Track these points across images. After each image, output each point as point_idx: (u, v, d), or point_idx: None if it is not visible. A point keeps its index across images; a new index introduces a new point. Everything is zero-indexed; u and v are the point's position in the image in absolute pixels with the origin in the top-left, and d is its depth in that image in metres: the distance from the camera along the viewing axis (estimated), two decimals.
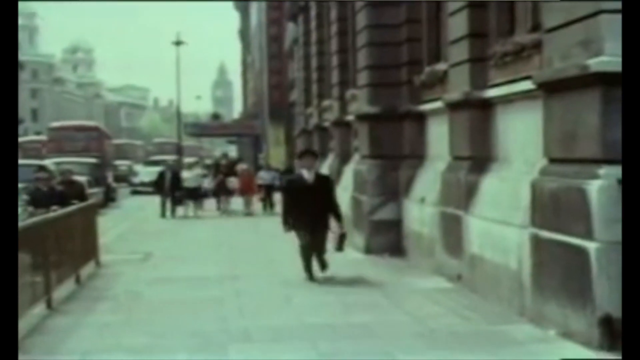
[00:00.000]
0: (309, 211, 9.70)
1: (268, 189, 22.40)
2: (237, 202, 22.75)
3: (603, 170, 6.19)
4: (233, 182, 22.50)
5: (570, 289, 6.45)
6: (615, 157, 6.13)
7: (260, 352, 6.53)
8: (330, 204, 9.98)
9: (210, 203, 22.80)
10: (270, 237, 14.08)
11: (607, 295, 6.03)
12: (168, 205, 21.20)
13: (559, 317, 6.61)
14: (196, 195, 21.78)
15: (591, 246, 6.13)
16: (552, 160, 7.13)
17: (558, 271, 6.68)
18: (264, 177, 22.89)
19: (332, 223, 10.10)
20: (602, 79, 6.17)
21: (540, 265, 7.00)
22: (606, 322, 6.03)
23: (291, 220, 9.86)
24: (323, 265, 10.01)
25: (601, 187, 6.15)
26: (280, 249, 12.02)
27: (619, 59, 6.04)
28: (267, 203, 22.21)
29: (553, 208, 6.84)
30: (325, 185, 10.08)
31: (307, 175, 9.90)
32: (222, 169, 24.38)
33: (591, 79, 6.24)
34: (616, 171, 6.07)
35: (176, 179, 21.61)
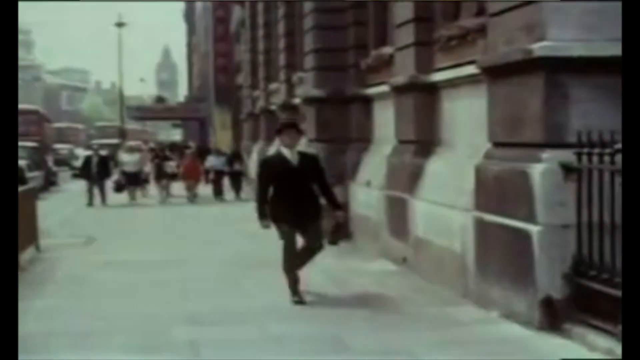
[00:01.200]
0: (294, 199, 7.65)
1: (218, 175, 21.32)
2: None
3: (546, 154, 6.34)
4: (171, 166, 21.26)
5: (513, 271, 6.60)
6: (558, 141, 6.29)
7: (205, 334, 6.55)
8: (323, 187, 7.96)
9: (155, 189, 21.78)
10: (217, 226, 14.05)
11: (548, 277, 6.18)
12: (97, 192, 19.55)
13: (501, 298, 6.76)
14: (136, 180, 20.68)
15: (533, 229, 6.28)
16: (496, 145, 7.26)
17: (501, 254, 6.83)
18: (213, 162, 21.68)
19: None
20: (545, 63, 6.29)
21: (484, 248, 7.15)
22: (547, 303, 6.19)
23: (270, 211, 7.74)
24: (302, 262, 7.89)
25: (544, 170, 6.29)
26: (229, 237, 12.01)
27: (562, 44, 6.19)
28: (217, 190, 21.14)
29: (497, 192, 6.98)
30: (313, 167, 7.88)
31: (289, 154, 7.73)
32: (159, 153, 22.89)
33: (535, 63, 6.36)
34: (559, 155, 6.22)
35: (104, 164, 20.19)
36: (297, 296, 7.64)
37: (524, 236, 6.36)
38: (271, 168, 7.83)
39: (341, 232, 8.46)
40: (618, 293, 5.57)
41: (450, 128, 8.99)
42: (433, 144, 9.31)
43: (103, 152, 22.55)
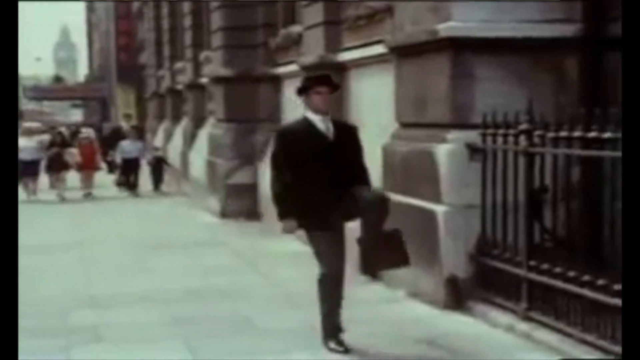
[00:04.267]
0: (330, 189, 5.40)
1: (130, 164, 17.20)
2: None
3: (451, 135, 6.56)
4: (72, 154, 17.50)
5: (420, 250, 6.79)
6: (463, 121, 6.52)
7: (105, 318, 6.56)
8: (358, 172, 5.61)
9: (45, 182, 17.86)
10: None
11: (453, 257, 6.42)
12: None
13: (409, 277, 6.97)
14: (34, 171, 16.70)
15: (439, 209, 6.50)
16: (403, 125, 7.46)
17: (408, 233, 7.01)
18: (127, 149, 17.35)
19: None
20: (451, 44, 6.50)
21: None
22: (452, 283, 6.43)
23: (298, 208, 5.45)
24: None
25: (449, 151, 6.50)
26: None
27: (468, 25, 6.41)
28: (131, 182, 17.23)
29: (403, 172, 7.19)
30: (353, 144, 5.63)
31: (322, 125, 5.46)
32: (57, 138, 18.87)
33: (440, 44, 6.57)
34: (464, 135, 6.46)
35: None
36: (335, 339, 5.53)
37: (430, 216, 6.57)
38: (297, 143, 5.40)
39: (399, 249, 5.59)
40: (520, 271, 5.87)
41: (359, 108, 9.17)
42: None
43: None
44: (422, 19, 6.87)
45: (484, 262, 6.29)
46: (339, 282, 5.58)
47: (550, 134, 5.60)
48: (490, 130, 6.22)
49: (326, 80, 5.51)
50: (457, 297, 6.39)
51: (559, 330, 5.45)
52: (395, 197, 7.23)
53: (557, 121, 5.59)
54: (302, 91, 5.52)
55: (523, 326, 5.73)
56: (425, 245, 6.63)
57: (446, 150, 6.52)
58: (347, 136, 5.61)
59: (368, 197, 5.43)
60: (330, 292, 5.55)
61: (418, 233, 6.80)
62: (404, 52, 7.28)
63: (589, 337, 5.18)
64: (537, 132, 5.73)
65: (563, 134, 5.47)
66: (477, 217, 6.32)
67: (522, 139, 5.85)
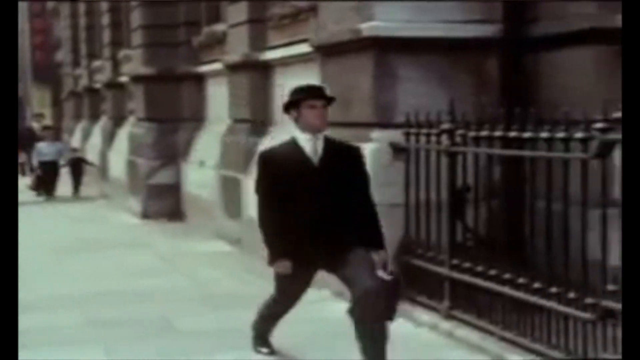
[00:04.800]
0: (314, 220, 4.66)
1: (47, 167, 16.07)
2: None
3: (375, 134, 6.63)
4: None
5: None
6: (387, 121, 6.60)
7: (24, 323, 6.43)
8: (362, 205, 4.78)
9: None
10: None
11: None
12: None
13: (333, 277, 7.01)
14: None
15: None
16: (331, 124, 7.50)
17: None
18: (44, 151, 16.19)
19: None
20: (374, 43, 6.58)
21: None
22: None
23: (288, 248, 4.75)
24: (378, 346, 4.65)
25: (373, 150, 6.55)
26: None
27: (391, 24, 6.49)
28: (49, 187, 16.12)
29: None
30: (350, 169, 4.80)
31: (309, 146, 4.71)
32: None
33: (364, 43, 6.64)
34: (388, 135, 6.53)
35: None
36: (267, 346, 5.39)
37: None
38: (278, 168, 4.71)
39: (398, 295, 4.89)
40: (442, 270, 5.97)
41: None
42: (267, 123, 9.48)
43: None
44: (345, 19, 6.92)
45: (407, 261, 6.37)
46: (288, 310, 5.23)
47: (472, 134, 5.71)
48: (413, 130, 6.31)
49: (320, 92, 4.78)
50: None
51: (480, 328, 5.56)
52: None
53: (478, 121, 5.70)
54: (290, 106, 4.73)
55: (446, 325, 5.83)
56: None
57: (370, 150, 6.57)
58: (343, 160, 4.71)
59: (369, 288, 4.45)
60: (277, 313, 5.26)
61: None
62: (328, 51, 7.34)
63: (509, 335, 5.31)
64: (459, 132, 5.84)
65: (484, 133, 5.59)
66: (400, 217, 6.40)
67: (445, 139, 5.95)
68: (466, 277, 5.75)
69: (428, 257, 6.17)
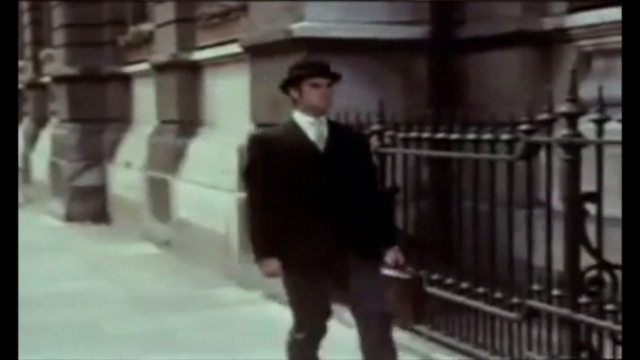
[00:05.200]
0: (323, 217, 3.98)
1: None
2: None
3: None
4: None
5: None
6: None
7: None
8: (374, 198, 4.17)
9: None
10: None
11: None
12: None
13: (264, 279, 7.01)
14: None
15: None
16: (259, 125, 7.51)
17: None
18: None
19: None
20: (305, 44, 6.61)
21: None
22: None
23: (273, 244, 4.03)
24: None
25: None
26: None
27: (322, 25, 6.52)
28: None
29: None
30: (359, 158, 4.15)
31: (312, 130, 4.06)
32: None
33: (295, 44, 6.66)
34: None
35: None
36: None
37: None
38: (277, 154, 4.00)
39: (424, 299, 4.59)
40: None
41: (214, 108, 9.18)
42: (197, 123, 9.45)
43: None
44: (276, 19, 6.95)
45: None
46: (318, 344, 4.21)
47: (401, 135, 5.79)
48: None
49: (325, 69, 4.06)
50: None
51: (409, 329, 5.62)
52: None
53: (407, 122, 5.79)
54: (289, 84, 4.07)
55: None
56: None
57: None
58: (351, 148, 4.08)
59: (372, 314, 3.99)
60: (304, 356, 4.23)
61: None
62: (259, 52, 7.35)
63: (437, 335, 5.40)
64: (388, 133, 5.91)
65: (413, 134, 5.67)
66: None
67: (374, 140, 6.01)
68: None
69: None
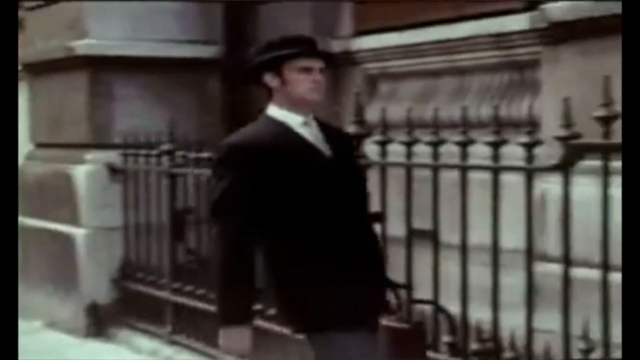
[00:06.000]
0: (348, 247, 2.85)
1: None
2: None
3: (90, 155, 6.49)
4: None
5: (57, 277, 6.63)
6: (103, 141, 6.47)
7: None
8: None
9: None
10: None
11: (94, 282, 6.33)
12: None
13: (45, 307, 6.73)
14: None
15: (77, 232, 6.39)
16: (39, 145, 7.23)
17: (44, 260, 6.80)
18: None
19: None
20: (88, 62, 6.45)
21: (26, 255, 7.03)
22: (92, 309, 6.33)
23: (286, 295, 2.88)
24: None
25: (88, 172, 6.43)
26: None
27: (105, 42, 6.40)
28: None
29: (39, 194, 6.96)
30: (355, 161, 3.25)
31: (307, 131, 2.92)
32: None
33: (77, 61, 6.48)
34: (105, 156, 6.40)
35: None
36: None
37: (68, 240, 6.43)
38: (268, 166, 2.84)
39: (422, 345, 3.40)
40: (163, 294, 5.92)
41: None
42: None
43: None
44: (56, 35, 6.72)
45: (127, 287, 6.27)
46: None
47: (193, 155, 5.74)
48: (131, 151, 6.23)
49: (315, 46, 2.99)
50: (98, 324, 6.30)
51: (203, 353, 5.56)
52: (31, 221, 6.96)
53: (199, 141, 5.75)
54: (264, 68, 2.93)
55: (167, 350, 5.79)
56: (64, 272, 6.48)
57: (84, 172, 6.42)
58: (349, 152, 3.11)
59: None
60: None
61: (56, 259, 6.63)
62: (37, 69, 7.08)
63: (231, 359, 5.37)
64: (179, 153, 5.85)
65: (205, 155, 5.63)
66: (120, 240, 6.30)
67: (165, 160, 5.93)
68: (187, 301, 5.73)
69: (148, 281, 6.10)
